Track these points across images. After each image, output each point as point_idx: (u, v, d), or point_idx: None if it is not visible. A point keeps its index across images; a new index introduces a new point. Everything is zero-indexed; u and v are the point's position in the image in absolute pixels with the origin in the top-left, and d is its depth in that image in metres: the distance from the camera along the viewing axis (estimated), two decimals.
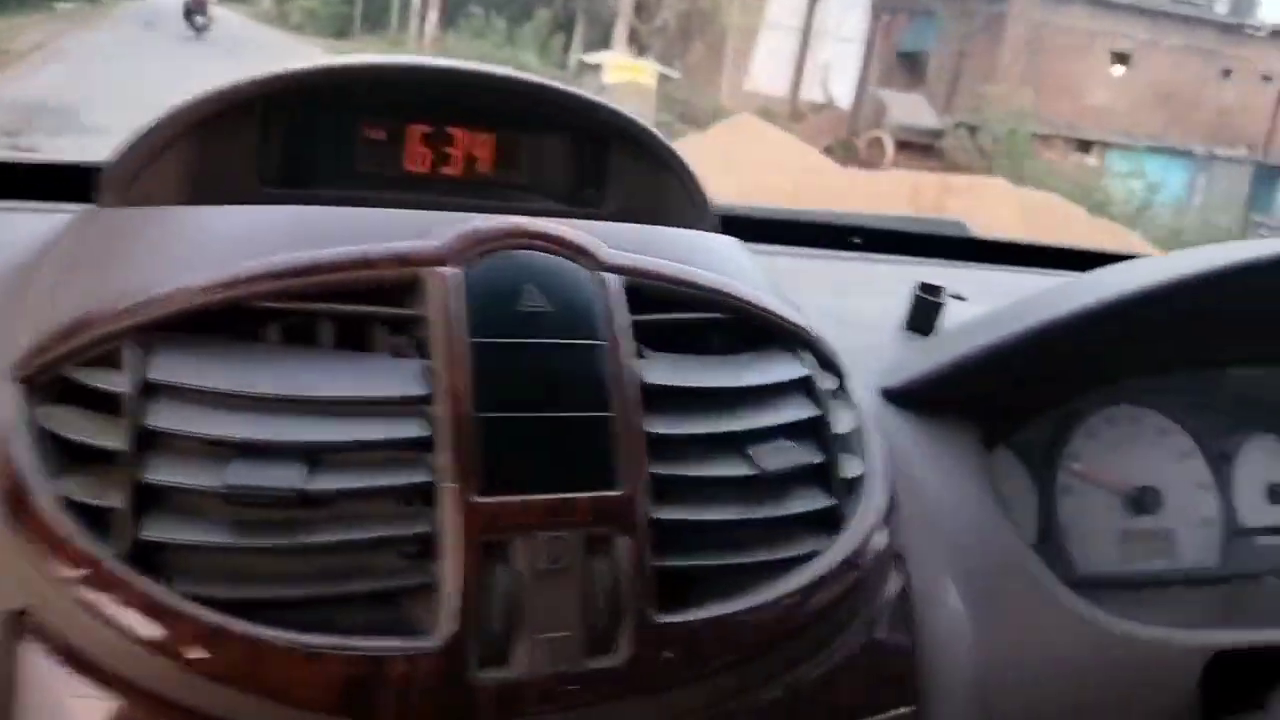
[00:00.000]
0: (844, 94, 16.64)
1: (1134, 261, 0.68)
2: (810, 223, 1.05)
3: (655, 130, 0.62)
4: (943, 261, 1.00)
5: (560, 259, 0.49)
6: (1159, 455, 0.78)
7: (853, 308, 0.77)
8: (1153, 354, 0.70)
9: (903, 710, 0.52)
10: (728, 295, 0.53)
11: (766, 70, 16.87)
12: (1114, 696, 0.61)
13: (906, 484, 0.60)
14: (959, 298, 0.79)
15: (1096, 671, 0.60)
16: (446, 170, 0.59)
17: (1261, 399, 0.81)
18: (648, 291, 0.51)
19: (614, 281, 0.49)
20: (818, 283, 0.77)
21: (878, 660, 0.52)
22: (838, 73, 16.68)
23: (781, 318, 0.55)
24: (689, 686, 0.46)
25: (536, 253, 0.49)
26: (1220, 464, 0.79)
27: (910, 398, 0.66)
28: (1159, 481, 0.77)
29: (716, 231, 0.63)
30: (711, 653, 0.46)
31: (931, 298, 0.75)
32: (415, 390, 0.45)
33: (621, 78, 12.70)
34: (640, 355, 0.49)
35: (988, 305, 0.71)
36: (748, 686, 0.48)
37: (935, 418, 0.66)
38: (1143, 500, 0.76)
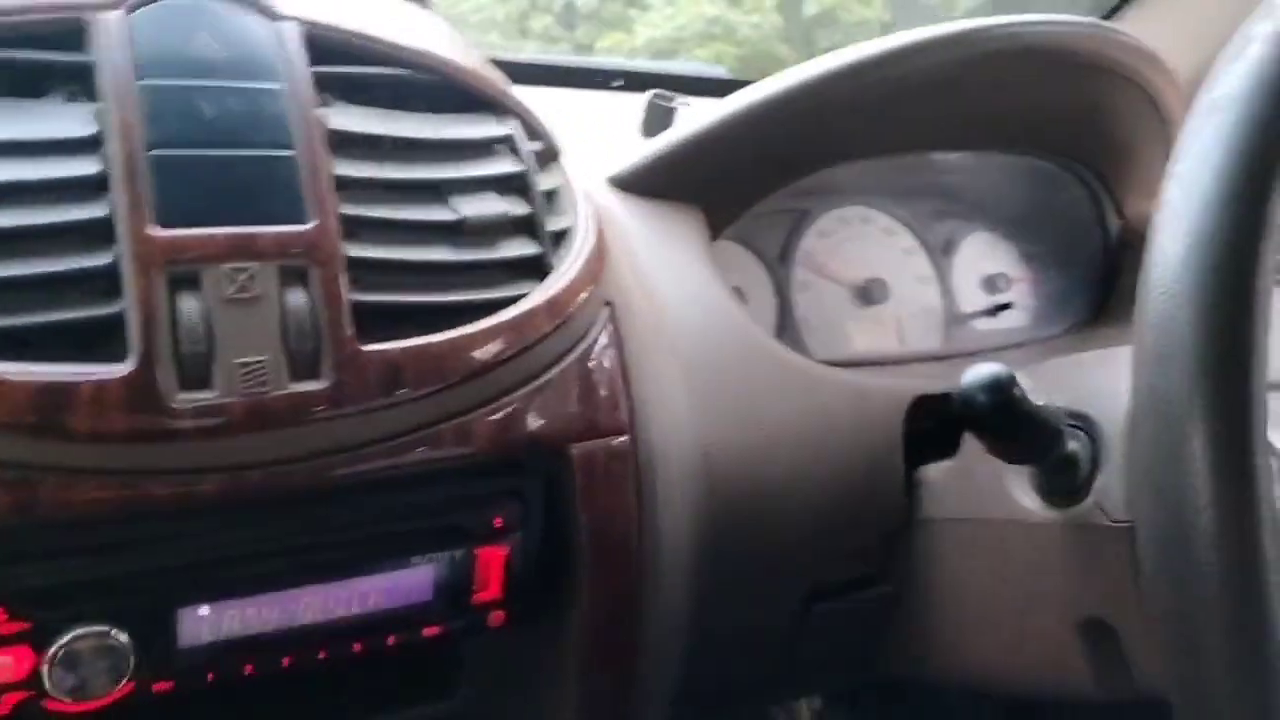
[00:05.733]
0: None
1: (835, 52, 0.71)
2: (572, 67, 1.06)
3: None
4: (701, 98, 1.03)
5: (234, 6, 0.49)
6: (885, 251, 0.83)
7: (597, 124, 0.79)
8: (846, 139, 0.74)
9: (615, 441, 0.55)
10: (422, 55, 0.53)
11: None
12: (823, 439, 0.65)
13: (629, 255, 0.62)
14: (687, 104, 0.81)
15: (806, 415, 0.65)
16: None
17: (977, 199, 0.87)
18: (331, 45, 0.51)
19: (290, 28, 0.49)
20: (570, 111, 0.78)
21: (589, 393, 0.54)
22: None
23: (482, 81, 0.56)
24: (393, 410, 0.47)
25: (208, 1, 0.49)
26: (940, 258, 0.85)
27: (634, 184, 0.69)
28: (886, 275, 0.82)
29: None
30: (412, 380, 0.47)
31: (663, 103, 0.77)
32: (85, 131, 0.45)
33: None
34: (326, 105, 0.49)
35: None
36: (454, 412, 0.49)
37: (659, 202, 0.69)
38: (871, 292, 0.81)
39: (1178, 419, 0.40)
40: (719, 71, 1.12)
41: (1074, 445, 0.58)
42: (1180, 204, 0.42)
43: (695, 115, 0.72)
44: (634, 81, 1.06)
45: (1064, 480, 0.59)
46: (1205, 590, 0.40)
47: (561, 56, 1.17)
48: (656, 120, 0.77)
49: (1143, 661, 0.57)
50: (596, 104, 1.00)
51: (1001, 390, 0.52)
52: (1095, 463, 0.58)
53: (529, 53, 1.20)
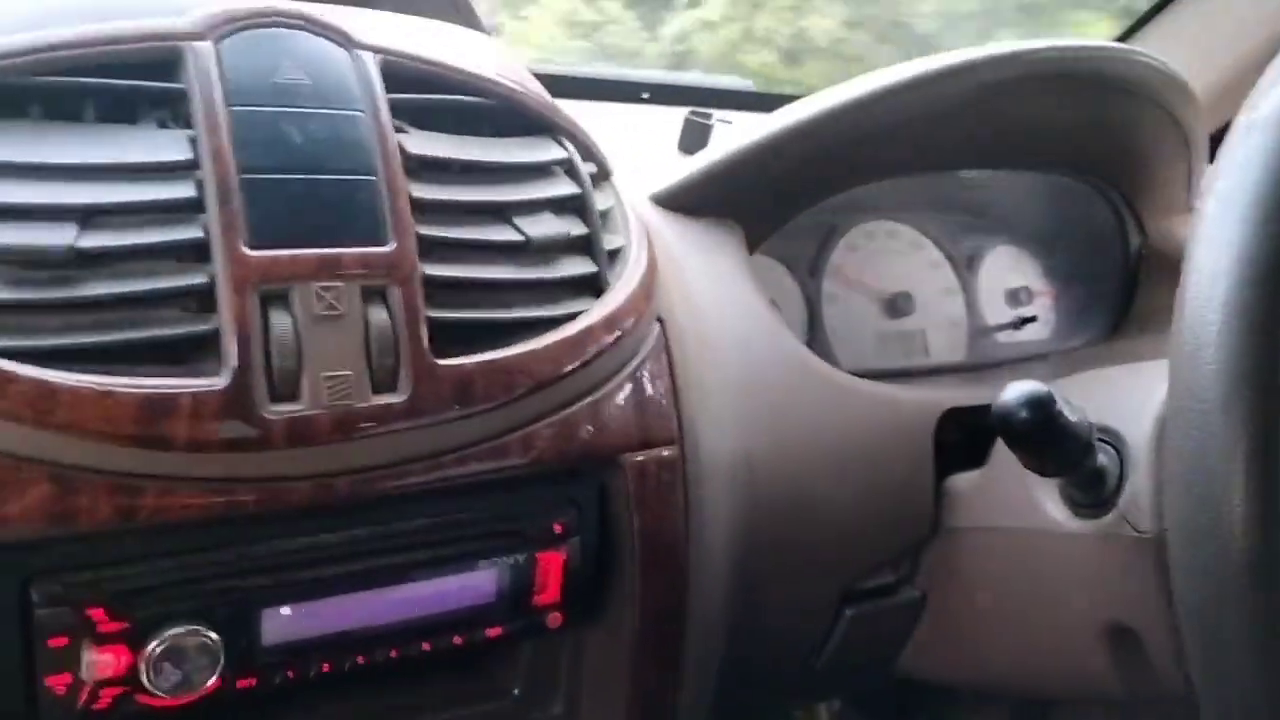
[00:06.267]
0: None
1: (871, 74, 0.74)
2: (600, 79, 1.09)
3: None
4: (730, 112, 1.05)
5: (315, 36, 0.51)
6: (912, 265, 0.86)
7: (632, 139, 0.81)
8: (875, 159, 0.77)
9: (665, 451, 0.57)
10: (486, 81, 0.56)
11: None
12: (857, 449, 0.68)
13: (675, 272, 0.65)
14: (726, 122, 0.84)
15: (841, 426, 0.67)
16: None
17: (1002, 214, 0.90)
18: (405, 73, 0.53)
19: (369, 58, 0.52)
20: (602, 122, 0.81)
21: (641, 406, 0.57)
22: None
23: (542, 105, 0.58)
24: (465, 422, 0.50)
25: (292, 30, 0.51)
26: (965, 272, 0.87)
27: (675, 201, 0.71)
28: (912, 288, 0.85)
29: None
30: (483, 393, 0.50)
31: (701, 120, 0.80)
32: (180, 155, 0.47)
33: None
34: (402, 130, 0.52)
35: None
36: (519, 424, 0.52)
37: (699, 219, 0.71)
38: (897, 304, 0.84)
39: (1212, 423, 0.42)
40: (746, 85, 1.14)
41: (1102, 459, 0.61)
42: (1218, 219, 0.44)
43: (734, 133, 0.75)
44: (661, 94, 1.08)
45: (1091, 492, 0.61)
46: (1236, 588, 0.42)
47: (589, 68, 1.19)
48: (694, 137, 0.80)
49: (1166, 664, 0.60)
50: (627, 117, 1.02)
51: (1041, 407, 0.54)
52: (1122, 476, 0.61)
53: (555, 65, 1.21)
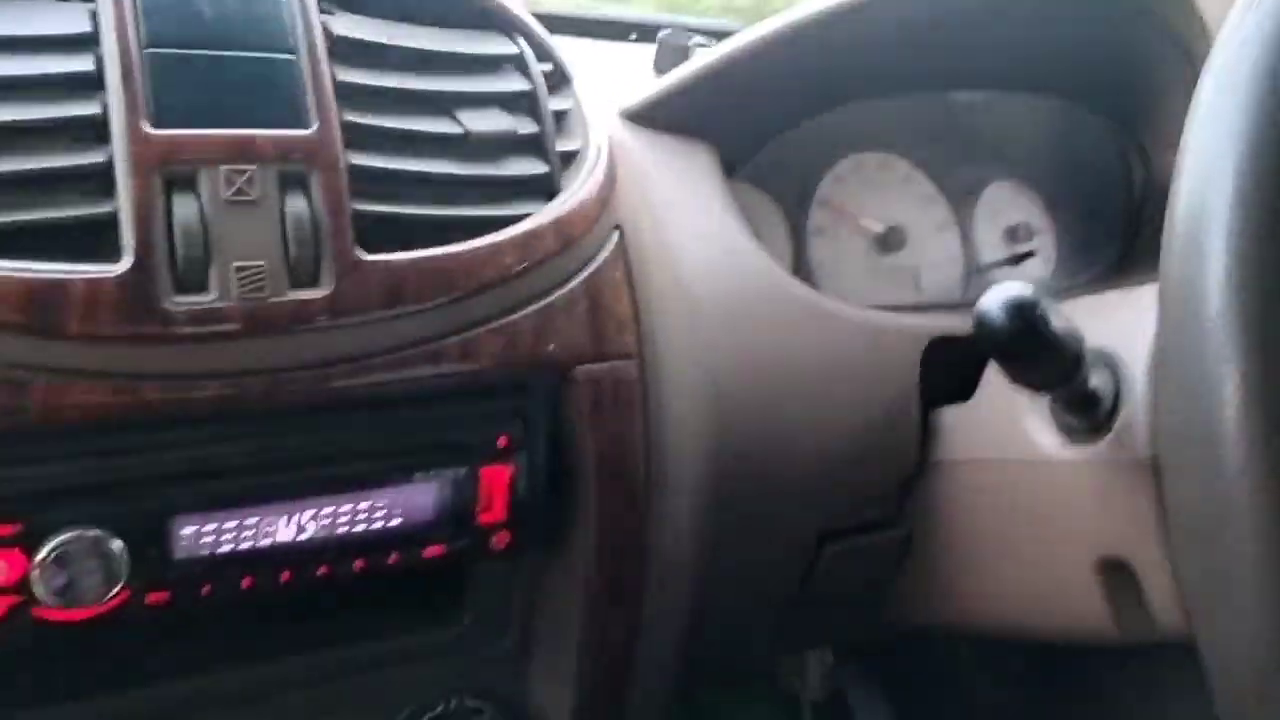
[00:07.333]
0: None
1: None
2: (587, 18, 1.05)
3: None
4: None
5: None
6: (905, 199, 0.81)
7: (611, 64, 0.77)
8: (860, 75, 0.72)
9: (621, 364, 0.54)
10: None
11: None
12: (839, 378, 0.64)
13: (639, 185, 0.61)
14: (704, 45, 0.80)
15: (822, 353, 0.63)
16: None
17: (1000, 146, 0.85)
18: None
19: None
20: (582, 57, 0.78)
21: (596, 316, 0.53)
22: None
23: (495, 1, 0.55)
24: (395, 323, 0.46)
25: None
26: (961, 206, 0.83)
27: (646, 117, 0.67)
28: (905, 222, 0.80)
29: None
30: (416, 292, 0.46)
31: (678, 42, 0.76)
32: (79, 29, 0.44)
33: None
34: (328, 12, 0.48)
35: None
36: (458, 328, 0.48)
37: (671, 136, 0.67)
38: (889, 239, 0.79)
39: (1206, 350, 0.39)
40: (734, 25, 1.10)
41: (1096, 381, 0.56)
42: (1215, 101, 0.40)
43: (705, 53, 0.71)
44: (649, 34, 1.04)
45: (1085, 417, 0.57)
46: (1233, 520, 0.39)
47: (573, 8, 1.16)
48: (670, 57, 0.76)
49: (1162, 602, 0.56)
50: (611, 55, 0.99)
51: (1023, 312, 0.50)
52: (1118, 398, 0.56)
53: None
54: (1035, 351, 0.51)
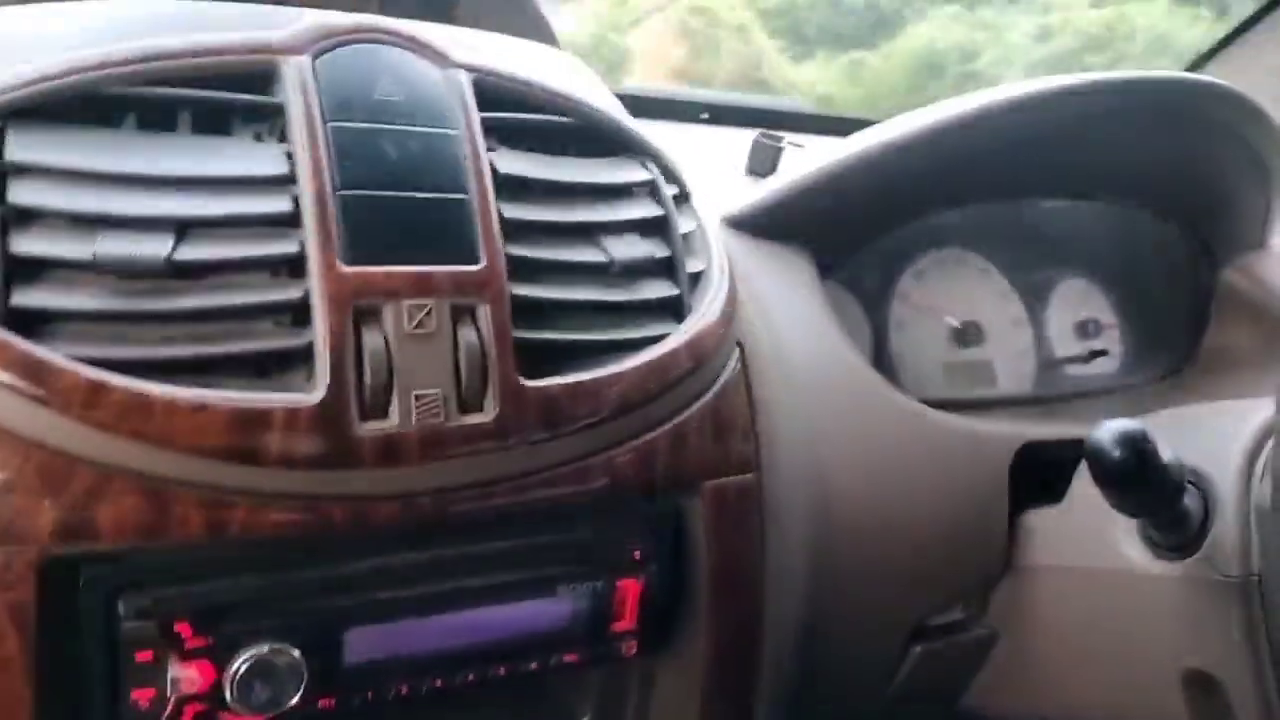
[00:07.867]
0: None
1: (944, 103, 0.73)
2: (660, 98, 1.08)
3: None
4: (785, 133, 1.05)
5: (411, 54, 0.51)
6: (981, 295, 0.85)
7: (699, 160, 0.80)
8: (954, 186, 0.76)
9: (745, 477, 0.57)
10: (574, 101, 0.55)
11: None
12: (933, 481, 0.66)
13: (749, 295, 0.64)
14: (797, 145, 0.83)
15: (918, 458, 0.66)
16: None
17: (1072, 246, 0.88)
18: (496, 92, 0.53)
19: (463, 77, 0.51)
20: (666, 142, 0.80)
21: (721, 431, 0.56)
22: None
23: (627, 128, 0.58)
24: (550, 444, 0.49)
25: (388, 47, 0.51)
26: (1035, 303, 0.86)
27: (748, 224, 0.71)
28: (981, 318, 0.83)
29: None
30: (569, 415, 0.49)
31: (771, 143, 0.79)
32: (277, 170, 0.47)
33: None
34: (492, 149, 0.51)
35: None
36: (602, 447, 0.51)
37: (772, 243, 0.70)
38: (966, 334, 0.82)
39: None
40: (803, 106, 1.13)
41: (1186, 500, 0.59)
42: None
43: (808, 158, 0.74)
44: (718, 115, 1.08)
45: (1173, 535, 0.60)
46: None
47: (643, 88, 1.19)
48: (763, 159, 0.79)
49: (1250, 711, 0.58)
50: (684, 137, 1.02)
51: (1137, 446, 0.53)
52: (1207, 517, 0.59)
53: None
54: (1143, 482, 0.54)
